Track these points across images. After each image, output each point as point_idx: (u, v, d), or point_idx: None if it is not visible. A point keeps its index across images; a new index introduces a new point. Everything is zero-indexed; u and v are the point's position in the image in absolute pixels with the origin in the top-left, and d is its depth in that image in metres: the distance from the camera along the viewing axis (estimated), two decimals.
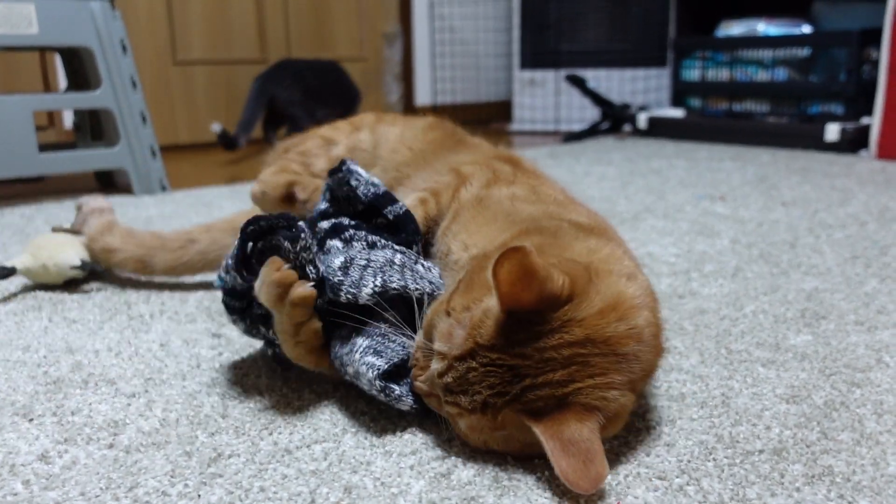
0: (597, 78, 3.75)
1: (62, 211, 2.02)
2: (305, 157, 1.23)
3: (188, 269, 1.28)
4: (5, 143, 2.08)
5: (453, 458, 0.73)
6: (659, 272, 1.36)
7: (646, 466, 0.72)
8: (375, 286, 0.80)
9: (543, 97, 3.92)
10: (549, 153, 3.04)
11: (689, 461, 0.73)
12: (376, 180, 0.96)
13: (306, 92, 3.21)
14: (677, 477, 0.70)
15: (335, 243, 0.87)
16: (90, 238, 1.29)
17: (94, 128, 2.46)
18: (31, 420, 0.83)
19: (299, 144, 1.22)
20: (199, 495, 0.68)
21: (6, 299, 1.27)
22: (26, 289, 1.31)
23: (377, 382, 0.77)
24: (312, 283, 0.81)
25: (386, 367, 0.77)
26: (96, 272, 1.32)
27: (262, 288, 0.80)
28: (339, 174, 0.96)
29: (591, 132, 3.53)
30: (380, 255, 0.84)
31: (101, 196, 1.38)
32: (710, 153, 2.91)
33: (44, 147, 2.20)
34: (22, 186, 2.46)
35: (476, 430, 0.71)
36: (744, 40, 3.23)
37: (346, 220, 0.92)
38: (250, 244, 0.85)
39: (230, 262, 0.86)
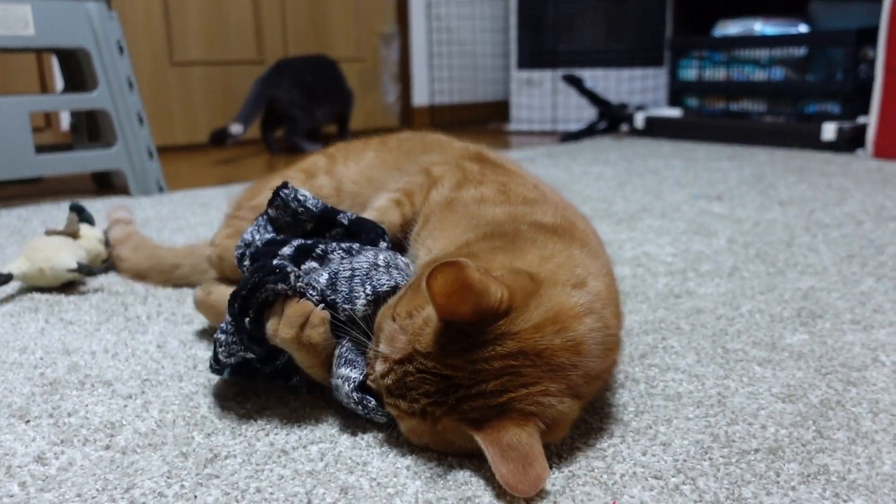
0: (594, 78, 3.75)
1: (59, 212, 2.01)
2: (259, 213, 1.19)
3: (179, 284, 1.34)
4: (2, 145, 2.08)
5: (449, 458, 0.73)
6: (656, 272, 1.37)
7: (642, 466, 0.72)
8: (367, 295, 0.79)
9: (541, 97, 3.92)
10: (546, 153, 3.04)
11: (684, 460, 0.73)
12: (317, 199, 0.94)
13: (305, 92, 3.23)
14: (673, 476, 0.70)
15: (310, 264, 0.85)
16: (113, 244, 1.44)
17: (91, 129, 2.46)
18: (27, 421, 0.83)
19: (251, 199, 1.18)
20: (196, 496, 0.68)
21: (2, 301, 1.27)
22: (23, 290, 1.31)
23: (354, 395, 0.77)
24: (322, 305, 0.80)
25: (360, 377, 0.77)
26: (93, 274, 1.32)
27: (281, 327, 0.79)
28: (277, 200, 0.93)
29: (589, 132, 3.54)
30: (362, 261, 0.83)
31: (125, 208, 1.52)
32: (707, 153, 2.91)
33: (40, 148, 2.20)
34: (19, 188, 2.46)
35: (416, 433, 0.73)
36: (741, 40, 3.23)
37: (307, 241, 0.89)
38: (247, 319, 0.81)
39: (233, 345, 0.83)
